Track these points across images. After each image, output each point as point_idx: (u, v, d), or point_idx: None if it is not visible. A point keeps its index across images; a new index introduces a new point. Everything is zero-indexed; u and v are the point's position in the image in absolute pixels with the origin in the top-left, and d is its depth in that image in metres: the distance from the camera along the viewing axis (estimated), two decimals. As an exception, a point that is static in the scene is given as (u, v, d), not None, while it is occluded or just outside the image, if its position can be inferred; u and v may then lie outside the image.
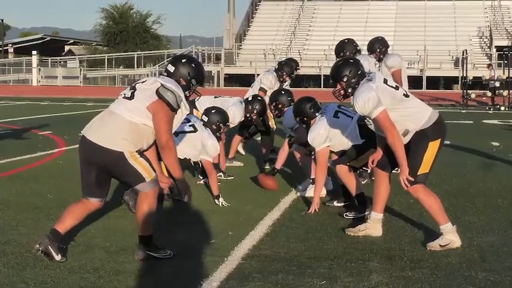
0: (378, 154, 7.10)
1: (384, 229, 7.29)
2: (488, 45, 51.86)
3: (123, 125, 6.06)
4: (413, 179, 6.70)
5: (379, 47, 11.14)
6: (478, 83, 35.22)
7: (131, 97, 6.15)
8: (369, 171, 9.28)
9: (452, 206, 8.56)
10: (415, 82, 46.28)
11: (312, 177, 9.24)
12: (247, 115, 11.04)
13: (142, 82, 6.29)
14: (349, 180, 8.22)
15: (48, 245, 6.09)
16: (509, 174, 11.32)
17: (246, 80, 50.35)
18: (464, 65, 34.28)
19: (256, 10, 63.09)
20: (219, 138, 9.23)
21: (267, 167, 11.56)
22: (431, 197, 6.84)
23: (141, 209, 6.19)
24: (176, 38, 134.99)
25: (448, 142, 15.66)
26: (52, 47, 75.73)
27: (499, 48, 44.82)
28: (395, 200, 8.70)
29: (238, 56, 55.70)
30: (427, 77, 47.13)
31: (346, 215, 7.98)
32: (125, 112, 6.09)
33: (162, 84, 6.09)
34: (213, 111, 9.42)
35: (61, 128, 18.28)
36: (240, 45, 57.45)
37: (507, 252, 6.55)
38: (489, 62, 41.29)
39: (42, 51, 65.03)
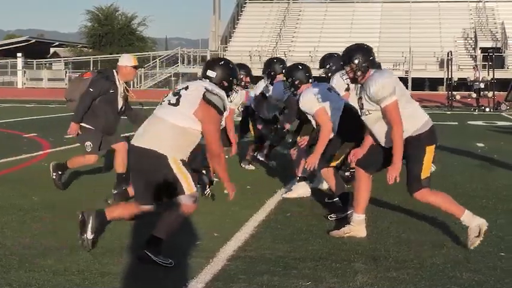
0: (360, 151, 7.12)
1: (369, 230, 7.30)
2: (473, 46, 52.05)
3: (169, 129, 6.16)
4: (420, 185, 6.75)
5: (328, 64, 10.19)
6: (463, 84, 35.31)
7: (176, 103, 6.24)
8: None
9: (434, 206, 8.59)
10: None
11: (299, 175, 9.24)
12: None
13: (186, 88, 6.34)
14: (332, 182, 8.23)
15: (91, 216, 6.38)
16: (494, 175, 11.37)
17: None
18: (449, 67, 34.40)
19: (241, 12, 63.07)
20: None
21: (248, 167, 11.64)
22: (439, 196, 6.90)
23: (170, 215, 6.24)
24: (162, 40, 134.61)
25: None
26: (37, 49, 75.37)
27: (484, 50, 44.98)
28: (382, 200, 8.73)
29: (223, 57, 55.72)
30: (412, 78, 47.23)
31: (330, 217, 7.99)
32: (171, 117, 6.19)
33: (206, 89, 6.23)
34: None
35: (46, 131, 18.21)
36: (226, 47, 57.42)
37: (491, 252, 6.58)
38: (474, 64, 41.46)
39: (28, 53, 64.72)
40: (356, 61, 6.81)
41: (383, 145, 6.93)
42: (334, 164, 8.18)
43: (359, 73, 6.82)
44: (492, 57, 34.87)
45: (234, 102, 9.46)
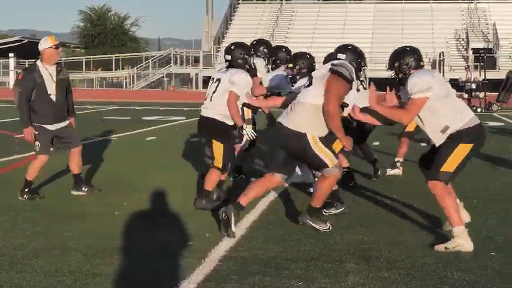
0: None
1: (360, 230, 7.34)
2: (465, 47, 52.18)
3: (307, 110, 7.09)
4: (436, 176, 6.86)
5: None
6: (455, 85, 35.32)
7: (309, 84, 7.24)
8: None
9: (430, 207, 8.61)
10: (393, 84, 46.54)
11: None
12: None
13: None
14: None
15: (232, 212, 7.12)
16: (485, 175, 11.40)
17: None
18: (442, 67, 34.48)
19: (234, 12, 63.10)
20: (251, 68, 8.84)
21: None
22: (449, 198, 6.90)
23: (321, 186, 7.29)
24: (155, 40, 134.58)
25: (424, 144, 15.79)
26: (29, 50, 74.95)
27: (476, 51, 45.10)
28: (373, 201, 8.75)
29: (216, 58, 55.65)
30: (404, 79, 47.33)
31: (324, 212, 7.99)
32: (308, 98, 7.13)
33: (332, 64, 7.19)
34: (232, 47, 8.85)
35: (38, 131, 18.15)
36: (219, 48, 57.39)
37: (482, 252, 6.59)
38: (466, 64, 41.52)
39: (20, 53, 64.49)
40: (396, 64, 7.33)
41: (434, 143, 7.08)
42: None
43: (400, 75, 7.28)
44: (484, 58, 34.98)
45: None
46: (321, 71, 7.27)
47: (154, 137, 17.39)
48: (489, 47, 49.69)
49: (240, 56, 8.64)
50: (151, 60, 57.70)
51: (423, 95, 6.82)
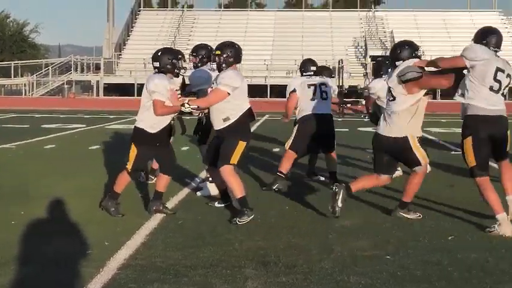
0: None
1: (259, 236, 7.42)
2: (364, 54, 53.10)
3: (400, 116, 8.13)
4: (470, 172, 7.99)
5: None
6: (354, 91, 36.01)
7: (393, 99, 8.20)
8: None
9: (327, 211, 8.76)
10: (293, 91, 47.01)
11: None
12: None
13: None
14: (233, 181, 8.29)
15: (341, 189, 8.26)
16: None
17: (126, 89, 49.97)
18: (341, 74, 35.02)
19: (136, 19, 62.68)
20: (178, 74, 8.87)
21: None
22: (491, 191, 7.87)
23: (412, 181, 8.44)
24: (55, 47, 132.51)
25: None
26: None
27: (374, 58, 45.94)
28: (271, 206, 8.84)
29: (118, 65, 55.20)
30: (305, 85, 47.87)
31: (238, 221, 8.05)
32: (397, 107, 8.14)
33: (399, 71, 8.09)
34: (159, 53, 8.86)
35: None
36: (120, 55, 56.95)
37: (378, 255, 6.74)
38: (364, 71, 42.29)
39: None
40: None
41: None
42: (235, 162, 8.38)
43: None
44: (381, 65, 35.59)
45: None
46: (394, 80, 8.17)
47: (53, 145, 17.13)
48: (387, 54, 50.68)
49: (168, 62, 8.66)
50: (51, 67, 56.77)
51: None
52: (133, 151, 8.67)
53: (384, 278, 6.01)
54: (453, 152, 15.62)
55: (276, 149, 16.45)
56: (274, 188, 10.43)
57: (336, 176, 10.98)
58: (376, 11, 61.85)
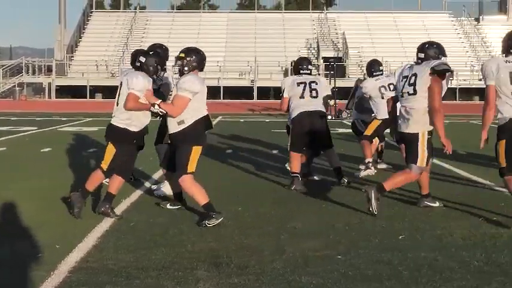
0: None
1: (211, 237, 7.44)
2: (316, 56, 53.34)
3: (416, 113, 8.60)
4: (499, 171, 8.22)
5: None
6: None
7: (414, 93, 8.63)
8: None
9: (280, 212, 8.82)
10: (246, 93, 47.08)
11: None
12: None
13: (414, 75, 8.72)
14: (194, 190, 8.28)
15: (372, 190, 8.56)
16: (333, 178, 11.68)
17: (78, 91, 49.58)
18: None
19: (88, 21, 62.20)
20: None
21: None
22: None
23: (398, 177, 8.75)
24: (6, 50, 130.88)
25: (275, 151, 16.09)
26: None
27: (326, 59, 46.18)
28: (224, 207, 8.84)
29: (70, 67, 54.74)
30: (258, 87, 47.97)
31: (207, 224, 8.01)
32: (415, 103, 8.63)
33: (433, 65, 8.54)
34: (150, 53, 8.98)
35: None
36: (72, 57, 56.47)
37: (329, 255, 6.79)
38: (317, 73, 42.49)
39: None
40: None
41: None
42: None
43: None
44: (334, 67, 35.97)
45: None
46: (422, 73, 8.59)
47: (4, 148, 16.95)
48: (339, 56, 51.01)
49: (153, 64, 8.72)
50: (2, 70, 56.04)
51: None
52: (110, 150, 8.61)
53: (335, 278, 6.06)
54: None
55: (229, 151, 16.48)
56: (292, 188, 10.63)
57: (341, 170, 11.20)
58: (328, 12, 62.15)
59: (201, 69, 8.52)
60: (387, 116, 12.01)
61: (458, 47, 52.38)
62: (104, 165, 8.63)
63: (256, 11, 62.51)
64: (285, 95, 11.05)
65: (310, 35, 56.43)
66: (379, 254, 6.85)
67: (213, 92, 45.46)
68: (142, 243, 7.26)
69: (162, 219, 8.47)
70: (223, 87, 47.42)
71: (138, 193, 10.12)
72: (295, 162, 10.87)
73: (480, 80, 48.15)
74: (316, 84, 11.00)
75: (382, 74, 12.46)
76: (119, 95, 8.65)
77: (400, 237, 7.59)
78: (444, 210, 8.99)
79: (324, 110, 11.14)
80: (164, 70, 9.77)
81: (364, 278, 6.07)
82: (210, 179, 11.13)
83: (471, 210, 8.97)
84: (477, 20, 58.04)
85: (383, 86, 12.22)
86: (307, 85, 10.91)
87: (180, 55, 8.43)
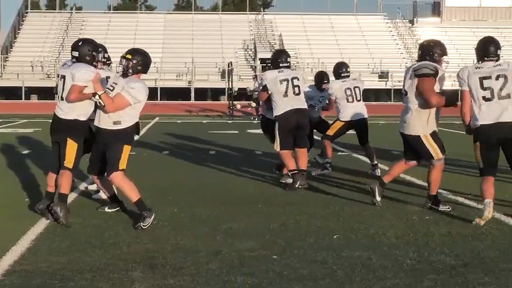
0: None
1: (147, 238, 7.43)
2: (253, 57, 53.42)
3: (412, 115, 8.91)
4: None
5: None
6: (243, 94, 36.28)
7: (405, 93, 8.96)
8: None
9: (215, 213, 8.84)
10: (183, 94, 46.94)
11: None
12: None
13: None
14: (125, 186, 8.24)
15: (376, 185, 9.29)
16: (269, 179, 11.77)
17: (13, 92, 48.88)
18: (230, 77, 35.22)
19: (23, 22, 61.32)
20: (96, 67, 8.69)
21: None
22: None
23: (434, 175, 9.09)
24: None
25: (213, 152, 16.13)
26: None
27: (263, 61, 46.27)
28: (160, 208, 8.83)
29: (4, 68, 53.91)
30: (195, 88, 47.86)
31: (143, 225, 7.96)
32: (409, 104, 8.93)
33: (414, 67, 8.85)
34: (80, 43, 8.72)
35: None
36: (7, 58, 55.60)
37: (265, 255, 6.83)
38: (254, 74, 42.59)
39: None
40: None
41: None
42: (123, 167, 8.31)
43: None
44: (271, 68, 36.01)
45: None
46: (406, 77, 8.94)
47: None
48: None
49: (87, 53, 8.54)
50: None
51: None
52: (71, 147, 8.45)
53: (270, 278, 6.09)
54: (339, 153, 15.91)
55: (166, 152, 16.46)
56: (297, 186, 10.64)
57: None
58: (265, 14, 62.27)
59: (145, 73, 8.47)
60: (349, 119, 12.30)
61: (393, 49, 52.98)
62: (70, 164, 8.45)
63: (193, 12, 62.33)
64: (266, 90, 10.98)
65: (247, 36, 56.48)
66: (314, 253, 6.91)
67: (150, 94, 45.16)
68: (77, 245, 7.20)
69: (97, 221, 8.41)
70: (161, 88, 47.20)
71: (73, 195, 9.99)
72: (290, 160, 10.90)
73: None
74: (298, 80, 11.00)
75: (348, 77, 12.63)
76: (63, 89, 8.52)
77: (335, 236, 7.67)
78: (378, 210, 9.10)
79: (306, 106, 11.25)
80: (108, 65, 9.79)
81: (299, 277, 6.12)
82: (146, 179, 11.11)
83: (405, 210, 9.11)
84: (411, 22, 58.71)
85: (348, 89, 12.42)
86: (290, 82, 10.91)
87: (127, 56, 8.36)
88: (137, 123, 8.50)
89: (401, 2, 74.04)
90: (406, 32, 56.55)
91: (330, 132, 12.55)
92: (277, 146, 10.94)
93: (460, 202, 9.66)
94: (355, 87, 12.40)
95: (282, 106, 10.86)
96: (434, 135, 8.99)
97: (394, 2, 65.85)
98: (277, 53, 11.65)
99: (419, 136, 8.92)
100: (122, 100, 8.13)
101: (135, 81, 8.23)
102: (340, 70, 12.65)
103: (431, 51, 8.92)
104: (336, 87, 12.45)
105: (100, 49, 8.75)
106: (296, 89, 10.93)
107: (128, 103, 8.13)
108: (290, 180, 11.03)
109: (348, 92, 12.37)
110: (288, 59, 11.24)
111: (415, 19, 58.65)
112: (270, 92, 10.92)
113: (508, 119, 8.27)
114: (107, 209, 8.92)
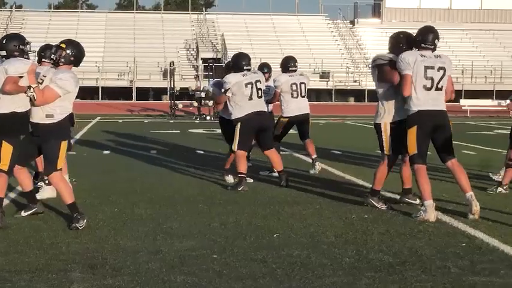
0: None
1: (86, 238, 7.40)
2: (195, 57, 53.36)
3: (379, 100, 9.10)
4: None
5: None
6: (186, 93, 36.23)
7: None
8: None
9: (156, 213, 8.82)
10: (125, 93, 46.69)
11: None
12: None
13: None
14: (62, 186, 8.16)
15: (370, 199, 9.23)
16: (210, 179, 11.78)
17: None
18: (172, 77, 35.15)
19: (-39, 19, 60.43)
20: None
21: None
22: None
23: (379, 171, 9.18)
24: None
25: (154, 152, 16.09)
26: None
27: (205, 60, 46.29)
28: (98, 208, 8.78)
29: None
30: (137, 88, 47.62)
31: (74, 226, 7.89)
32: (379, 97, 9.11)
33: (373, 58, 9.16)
34: (4, 41, 8.42)
35: None
36: None
37: (205, 255, 6.84)
38: (196, 74, 42.55)
39: None
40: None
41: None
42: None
43: None
44: (213, 68, 36.15)
45: None
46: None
47: None
48: (218, 57, 51.14)
49: (15, 49, 8.31)
50: None
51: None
52: (7, 150, 8.14)
53: (209, 277, 6.11)
54: (281, 153, 15.98)
55: (107, 151, 16.36)
56: (240, 189, 10.63)
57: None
58: (207, 13, 62.26)
59: (77, 66, 8.38)
60: (292, 114, 12.39)
61: (334, 49, 53.39)
62: (4, 166, 8.17)
63: (135, 11, 62.06)
64: (229, 93, 10.90)
65: (189, 35, 56.38)
66: (253, 252, 6.95)
67: (91, 92, 44.90)
68: (15, 246, 7.12)
69: (36, 221, 8.32)
70: (102, 87, 46.87)
71: (11, 195, 9.88)
72: (243, 162, 10.90)
73: (355, 81, 49.55)
74: (260, 83, 11.07)
75: (295, 71, 12.70)
76: None
77: (275, 235, 7.71)
78: (318, 209, 9.18)
79: (266, 108, 11.43)
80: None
81: (238, 276, 6.15)
82: (86, 179, 11.05)
83: (344, 209, 9.21)
84: (352, 23, 59.25)
85: (294, 84, 12.51)
86: (254, 85, 10.94)
87: (61, 45, 8.26)
88: (71, 114, 8.44)
89: (342, 2, 74.76)
90: (347, 33, 57.04)
91: (277, 131, 12.51)
92: (235, 146, 10.98)
93: (393, 199, 9.78)
94: (301, 83, 12.51)
95: (245, 108, 10.89)
96: (393, 130, 9.01)
97: (335, 3, 66.15)
98: (240, 56, 11.51)
99: (380, 124, 9.03)
100: (51, 92, 8.00)
101: (62, 72, 8.11)
102: (288, 64, 12.70)
103: (401, 42, 9.06)
104: (282, 80, 12.48)
105: (27, 41, 8.57)
106: (259, 92, 11.02)
107: (57, 95, 8.01)
108: (231, 179, 11.09)
109: (294, 87, 12.45)
110: (250, 62, 11.25)
111: (355, 20, 59.17)
112: (229, 95, 10.93)
113: (442, 107, 8.71)
114: (23, 213, 8.61)
